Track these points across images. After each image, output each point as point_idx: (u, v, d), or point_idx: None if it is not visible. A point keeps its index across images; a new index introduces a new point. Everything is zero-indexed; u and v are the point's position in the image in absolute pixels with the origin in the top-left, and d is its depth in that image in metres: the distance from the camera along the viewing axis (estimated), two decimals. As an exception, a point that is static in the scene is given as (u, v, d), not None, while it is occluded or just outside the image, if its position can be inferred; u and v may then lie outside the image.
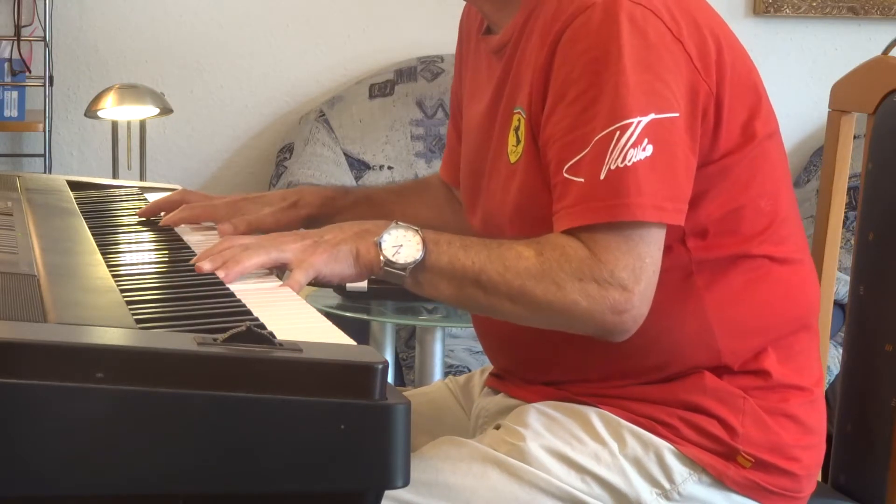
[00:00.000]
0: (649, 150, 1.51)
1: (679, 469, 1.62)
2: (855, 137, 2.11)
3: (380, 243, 1.54)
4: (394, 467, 1.12)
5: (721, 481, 1.63)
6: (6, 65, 4.01)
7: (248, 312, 1.38)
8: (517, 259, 1.52)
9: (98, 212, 2.03)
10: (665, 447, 1.62)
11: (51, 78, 3.98)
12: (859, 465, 1.89)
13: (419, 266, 1.53)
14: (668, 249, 1.55)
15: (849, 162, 2.07)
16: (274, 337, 1.14)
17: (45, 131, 3.99)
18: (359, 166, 4.15)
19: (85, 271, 1.58)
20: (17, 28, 4.03)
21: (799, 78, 4.45)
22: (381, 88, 4.23)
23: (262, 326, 1.25)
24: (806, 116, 4.38)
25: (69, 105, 4.24)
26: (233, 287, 1.50)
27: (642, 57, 1.52)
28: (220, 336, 1.13)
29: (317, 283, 1.63)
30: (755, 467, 1.63)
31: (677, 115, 1.53)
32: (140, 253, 1.80)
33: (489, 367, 1.86)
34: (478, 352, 3.37)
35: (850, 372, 1.94)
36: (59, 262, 1.58)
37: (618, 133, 1.50)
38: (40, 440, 1.06)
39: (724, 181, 1.61)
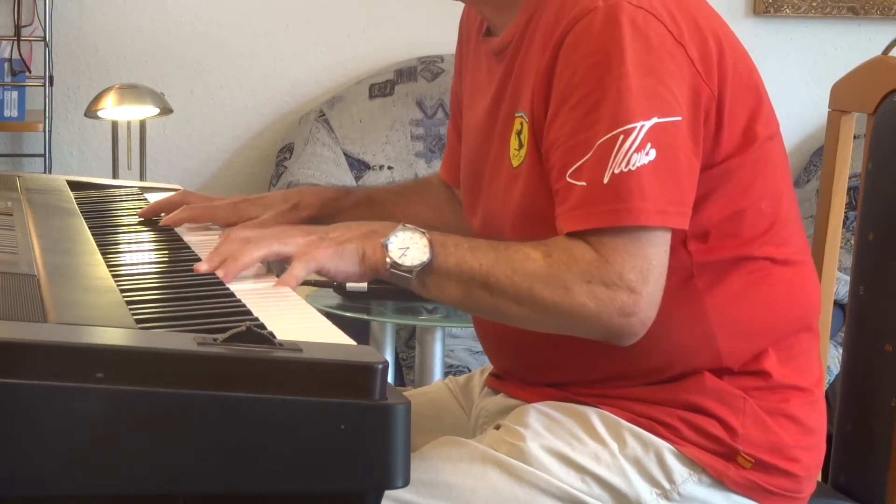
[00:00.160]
0: (652, 154, 1.50)
1: (679, 469, 1.62)
2: (855, 137, 2.11)
3: (386, 245, 1.54)
4: (394, 467, 1.12)
5: (721, 482, 1.62)
6: (6, 65, 4.01)
7: (248, 312, 1.38)
8: (525, 261, 1.52)
9: (98, 212, 2.03)
10: (665, 447, 1.62)
11: (51, 78, 3.98)
12: (859, 465, 1.89)
13: (426, 268, 1.53)
14: (669, 252, 1.55)
15: (849, 162, 2.07)
16: (274, 337, 1.14)
17: (45, 131, 3.99)
18: (359, 166, 4.15)
19: (85, 271, 1.58)
20: (17, 28, 4.03)
21: (799, 78, 4.45)
22: (381, 88, 4.23)
23: (262, 326, 1.25)
24: (806, 116, 4.38)
25: (69, 105, 4.24)
26: (233, 287, 1.50)
27: (644, 61, 1.52)
28: (220, 336, 1.13)
29: (317, 281, 1.63)
30: (755, 468, 1.63)
31: (680, 118, 1.53)
32: (140, 253, 1.80)
33: (489, 367, 1.86)
34: (478, 352, 3.37)
35: (850, 372, 1.94)
36: (59, 262, 1.58)
37: (621, 137, 1.50)
38: (40, 440, 1.06)
39: (725, 184, 1.61)
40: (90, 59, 4.25)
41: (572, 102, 1.54)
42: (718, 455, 1.62)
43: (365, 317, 2.99)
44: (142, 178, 4.04)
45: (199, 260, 1.61)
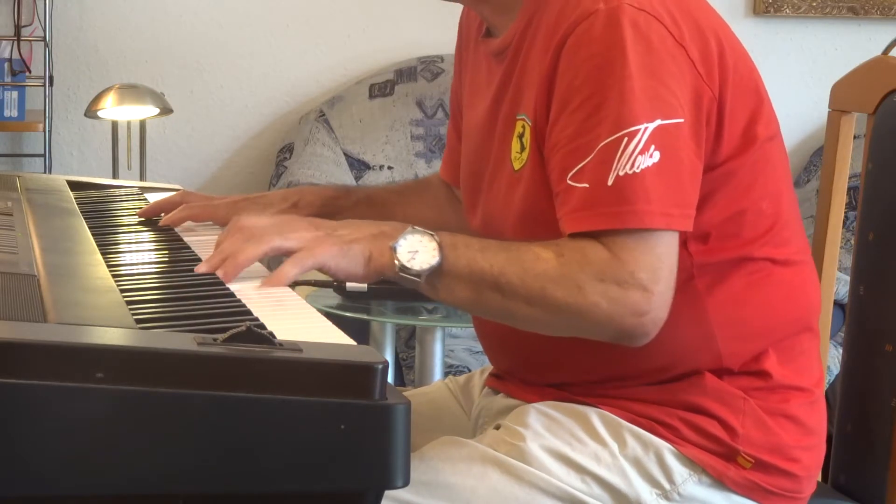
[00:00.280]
0: (656, 156, 1.50)
1: (679, 469, 1.62)
2: (855, 137, 2.11)
3: (395, 248, 1.52)
4: (394, 467, 1.12)
5: (721, 482, 1.62)
6: (6, 65, 4.01)
7: (248, 312, 1.37)
8: (536, 261, 1.51)
9: (98, 212, 2.03)
10: (665, 448, 1.62)
11: (51, 78, 3.98)
12: (859, 465, 1.89)
13: (435, 271, 1.52)
14: (677, 253, 1.55)
15: (849, 162, 2.07)
16: (274, 337, 1.14)
17: (45, 131, 3.99)
18: (359, 166, 4.15)
19: (85, 271, 1.58)
20: (17, 28, 4.03)
21: (799, 78, 4.45)
22: (381, 88, 4.23)
23: (262, 326, 1.25)
24: (806, 116, 4.38)
25: (69, 105, 4.24)
26: (233, 287, 1.50)
27: (646, 63, 1.52)
28: (220, 336, 1.13)
29: (318, 281, 1.62)
30: (755, 468, 1.63)
31: (682, 120, 1.53)
32: (140, 253, 1.80)
33: (489, 367, 1.86)
34: (478, 352, 3.37)
35: (850, 372, 1.94)
36: (59, 262, 1.58)
37: (625, 139, 1.50)
38: (40, 440, 1.06)
39: (726, 185, 1.61)
40: (90, 59, 4.25)
41: (573, 105, 1.54)
42: (718, 455, 1.62)
43: (365, 317, 2.99)
44: (142, 178, 4.04)
45: (199, 260, 1.61)
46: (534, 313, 1.52)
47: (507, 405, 1.75)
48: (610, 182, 1.50)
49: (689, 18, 1.58)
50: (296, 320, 1.40)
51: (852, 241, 2.00)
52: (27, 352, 1.06)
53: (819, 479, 1.75)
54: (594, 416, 1.64)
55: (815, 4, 4.43)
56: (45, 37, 3.98)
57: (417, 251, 1.52)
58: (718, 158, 1.60)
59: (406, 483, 1.13)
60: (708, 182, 1.58)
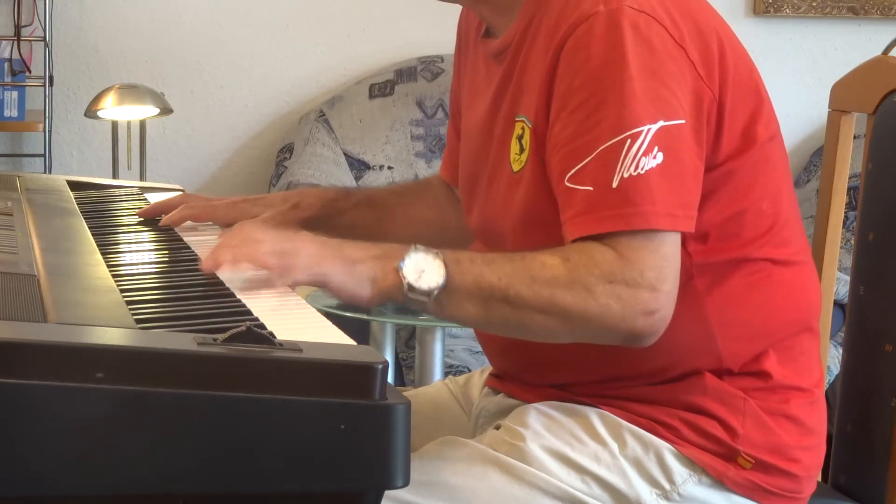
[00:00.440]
0: (660, 157, 1.50)
1: (679, 470, 1.62)
2: (855, 137, 2.11)
3: (401, 268, 1.49)
4: (394, 467, 1.12)
5: (721, 482, 1.62)
6: (6, 65, 4.01)
7: (248, 312, 1.38)
8: (543, 269, 1.49)
9: (98, 212, 2.03)
10: (665, 448, 1.62)
11: (51, 78, 3.98)
12: (859, 465, 1.89)
13: (443, 289, 1.49)
14: (680, 253, 1.55)
15: (849, 162, 2.07)
16: (274, 337, 1.14)
17: (45, 131, 3.99)
18: (359, 166, 4.15)
19: (85, 271, 1.58)
20: (17, 28, 4.03)
21: (799, 78, 4.45)
22: (381, 88, 4.23)
23: (262, 326, 1.25)
24: (806, 116, 4.38)
25: (69, 105, 4.24)
26: (233, 287, 1.50)
27: (647, 64, 1.52)
28: (220, 336, 1.13)
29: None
30: (755, 468, 1.63)
31: (684, 121, 1.53)
32: (140, 253, 1.80)
33: (489, 367, 1.86)
34: (478, 352, 3.37)
35: (850, 372, 1.94)
36: (59, 262, 1.58)
37: (629, 141, 1.50)
38: (40, 440, 1.06)
39: (726, 185, 1.61)
40: (90, 59, 4.25)
41: (572, 106, 1.54)
42: (718, 455, 1.62)
43: (365, 317, 2.99)
44: (142, 178, 4.04)
45: (199, 260, 1.60)
46: (546, 322, 1.50)
47: (507, 405, 1.75)
48: (615, 184, 1.49)
49: (689, 19, 1.58)
50: (296, 320, 1.41)
51: (852, 241, 2.00)
52: (27, 352, 1.06)
53: (819, 479, 1.75)
54: (594, 416, 1.64)
55: (815, 4, 4.43)
56: (45, 37, 3.98)
57: (424, 270, 1.49)
58: (718, 158, 1.60)
59: (406, 483, 1.13)
60: (708, 182, 1.58)
